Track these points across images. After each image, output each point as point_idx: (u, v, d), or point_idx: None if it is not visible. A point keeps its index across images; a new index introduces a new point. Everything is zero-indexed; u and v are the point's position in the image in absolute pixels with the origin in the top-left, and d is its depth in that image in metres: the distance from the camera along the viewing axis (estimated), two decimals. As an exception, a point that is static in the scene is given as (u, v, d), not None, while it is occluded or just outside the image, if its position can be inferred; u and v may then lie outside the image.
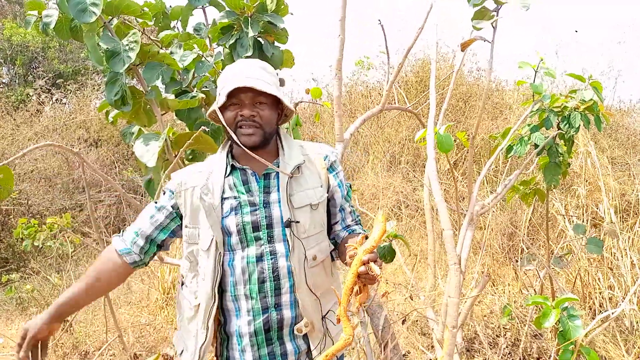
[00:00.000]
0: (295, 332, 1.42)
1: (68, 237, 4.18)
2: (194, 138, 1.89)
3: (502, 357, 3.06)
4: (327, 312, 1.49)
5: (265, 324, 1.38)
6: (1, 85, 8.94)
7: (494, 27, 1.99)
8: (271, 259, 1.37)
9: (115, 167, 6.82)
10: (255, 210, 1.38)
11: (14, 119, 7.14)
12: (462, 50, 2.18)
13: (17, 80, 8.96)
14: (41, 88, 8.27)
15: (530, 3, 1.87)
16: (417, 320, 3.56)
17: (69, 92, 8.10)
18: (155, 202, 1.48)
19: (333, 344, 1.38)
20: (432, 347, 2.37)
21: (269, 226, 1.38)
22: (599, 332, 2.92)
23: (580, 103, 2.48)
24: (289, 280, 1.38)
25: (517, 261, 4.09)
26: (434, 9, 2.17)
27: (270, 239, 1.38)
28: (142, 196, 6.39)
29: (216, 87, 2.36)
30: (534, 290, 3.61)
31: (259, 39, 2.12)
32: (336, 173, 1.53)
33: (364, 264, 1.16)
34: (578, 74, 2.51)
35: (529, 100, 2.55)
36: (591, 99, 2.44)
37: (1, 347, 3.89)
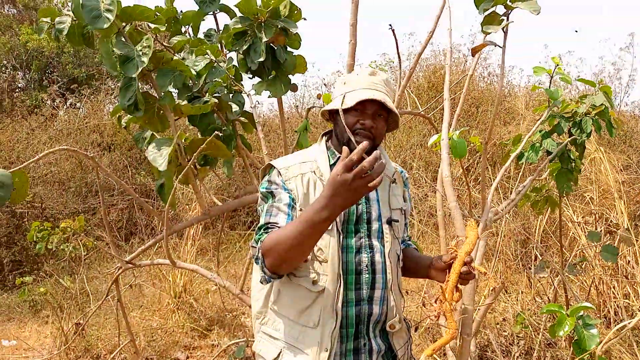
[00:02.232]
0: (388, 328, 1.44)
1: (81, 241, 4.21)
2: (207, 143, 1.89)
3: (515, 366, 3.02)
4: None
5: (357, 317, 1.38)
6: (17, 90, 9.07)
7: (504, 32, 1.96)
8: (369, 252, 1.41)
9: (128, 171, 6.87)
10: (359, 204, 1.43)
11: (29, 123, 7.24)
12: (473, 55, 2.17)
13: (32, 85, 9.10)
14: (55, 93, 8.38)
15: (541, 7, 1.85)
16: (429, 328, 3.53)
17: (83, 96, 8.19)
18: (274, 201, 1.38)
19: (411, 343, 1.53)
20: (445, 354, 2.35)
21: (368, 221, 1.44)
22: (615, 342, 2.87)
23: (591, 108, 2.46)
24: (382, 276, 1.42)
25: (530, 268, 4.04)
26: (444, 13, 2.16)
27: (369, 234, 1.43)
28: (154, 200, 6.43)
29: (228, 93, 2.39)
30: (548, 298, 3.57)
31: (272, 44, 2.12)
32: (408, 189, 1.63)
33: (466, 264, 1.30)
34: (587, 79, 2.49)
35: (543, 105, 2.53)
36: (602, 104, 2.42)
37: (14, 349, 3.93)
